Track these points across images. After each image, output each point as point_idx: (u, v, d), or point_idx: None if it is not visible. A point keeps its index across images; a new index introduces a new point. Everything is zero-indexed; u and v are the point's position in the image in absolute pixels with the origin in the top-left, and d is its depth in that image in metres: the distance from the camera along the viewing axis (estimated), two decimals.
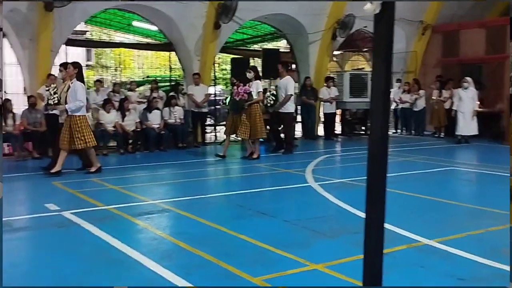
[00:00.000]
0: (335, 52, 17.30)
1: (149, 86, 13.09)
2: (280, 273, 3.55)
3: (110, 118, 10.72)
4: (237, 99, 9.57)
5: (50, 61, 10.82)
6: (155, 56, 15.78)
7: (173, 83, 13.59)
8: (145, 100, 11.76)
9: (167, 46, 13.42)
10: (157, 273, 3.56)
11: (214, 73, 14.52)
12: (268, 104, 10.58)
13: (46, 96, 8.52)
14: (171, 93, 12.21)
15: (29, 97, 10.56)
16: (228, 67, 18.28)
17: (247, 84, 9.73)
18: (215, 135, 13.90)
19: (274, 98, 10.48)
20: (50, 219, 5.15)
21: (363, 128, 15.11)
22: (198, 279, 3.41)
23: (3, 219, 5.12)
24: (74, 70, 7.91)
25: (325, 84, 13.92)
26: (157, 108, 11.46)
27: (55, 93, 8.06)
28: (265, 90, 10.91)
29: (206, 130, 13.24)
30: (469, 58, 14.16)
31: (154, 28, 13.55)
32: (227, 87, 19.10)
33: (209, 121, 14.15)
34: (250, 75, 9.82)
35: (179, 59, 13.35)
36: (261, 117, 9.87)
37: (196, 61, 12.79)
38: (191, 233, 4.66)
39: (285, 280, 3.40)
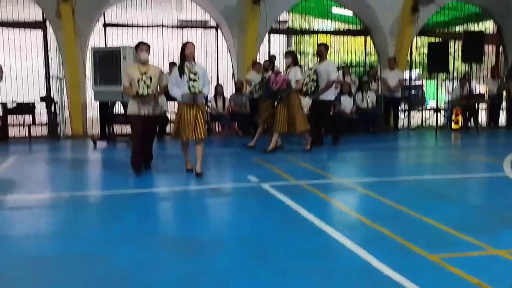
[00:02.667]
0: None
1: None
2: (458, 253, 3.62)
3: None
4: (275, 88, 8.41)
5: (255, 49, 11.94)
6: (352, 41, 16.02)
7: (367, 68, 13.74)
8: (338, 85, 12.16)
9: (362, 32, 13.61)
10: (339, 241, 3.93)
11: (411, 57, 14.22)
12: (309, 92, 8.90)
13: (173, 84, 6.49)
14: (365, 78, 12.41)
15: (236, 83, 11.83)
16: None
17: (286, 72, 8.57)
18: (408, 121, 13.68)
19: (315, 84, 8.82)
20: (251, 189, 5.90)
21: None
22: (376, 251, 3.68)
23: (213, 186, 6.08)
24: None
25: None
26: (350, 93, 11.77)
27: (194, 79, 6.29)
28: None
29: (399, 116, 13.13)
30: None
31: (351, 13, 13.83)
32: (423, 72, 18.45)
33: (403, 106, 13.98)
34: (287, 61, 8.58)
35: (374, 44, 13.44)
36: (302, 107, 8.70)
37: (391, 46, 12.73)
38: (373, 210, 4.92)
39: (462, 261, 3.46)
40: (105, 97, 9.78)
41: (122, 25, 12.30)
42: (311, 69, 8.99)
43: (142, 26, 12.29)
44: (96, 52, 9.69)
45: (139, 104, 6.47)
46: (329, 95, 9.26)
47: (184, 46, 6.43)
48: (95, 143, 9.80)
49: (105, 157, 8.98)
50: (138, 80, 6.36)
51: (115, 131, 10.57)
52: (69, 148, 10.14)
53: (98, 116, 10.46)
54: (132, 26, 12.33)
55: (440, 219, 4.48)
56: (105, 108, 10.18)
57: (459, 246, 3.82)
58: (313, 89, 8.82)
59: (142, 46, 6.55)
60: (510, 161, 7.61)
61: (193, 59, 6.43)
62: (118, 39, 12.07)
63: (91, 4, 11.02)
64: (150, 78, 6.40)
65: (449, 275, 3.24)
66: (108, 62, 9.45)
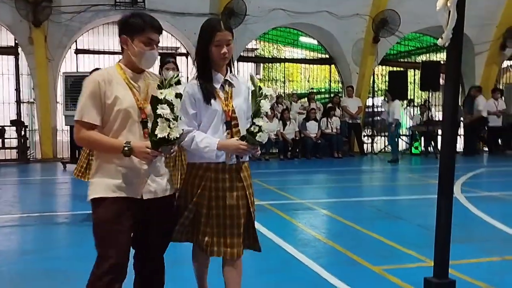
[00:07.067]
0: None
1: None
2: (399, 265, 4.00)
3: (272, 127, 11.82)
4: None
5: None
6: (320, 68, 16.66)
7: (332, 95, 14.30)
8: (304, 111, 12.66)
9: (328, 60, 14.20)
10: (293, 255, 4.27)
11: (373, 85, 14.86)
12: None
13: None
14: (329, 105, 12.95)
15: None
16: None
17: None
18: (372, 146, 14.21)
19: None
20: None
21: None
22: (325, 263, 4.03)
23: None
24: None
25: (492, 96, 13.35)
26: (315, 119, 12.27)
27: None
28: None
29: (363, 141, 13.65)
30: None
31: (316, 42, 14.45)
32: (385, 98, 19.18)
33: (367, 131, 14.56)
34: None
35: (338, 72, 14.04)
36: None
37: (355, 74, 13.35)
38: (328, 228, 5.30)
39: (401, 272, 3.84)
40: None
41: (94, 52, 12.58)
42: None
43: (114, 53, 12.58)
44: (68, 77, 9.89)
45: (131, 172, 2.58)
46: None
47: (208, 29, 2.71)
48: (65, 166, 9.95)
49: (74, 179, 9.13)
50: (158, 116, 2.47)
51: None
52: (39, 171, 10.25)
53: (68, 140, 10.62)
54: (104, 52, 12.61)
55: (387, 235, 4.87)
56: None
57: (400, 258, 4.21)
58: None
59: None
60: (460, 184, 8.13)
61: (230, 65, 2.87)
62: (89, 65, 12.31)
63: (63, 31, 11.27)
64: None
65: (387, 284, 3.61)
66: (80, 87, 9.63)
